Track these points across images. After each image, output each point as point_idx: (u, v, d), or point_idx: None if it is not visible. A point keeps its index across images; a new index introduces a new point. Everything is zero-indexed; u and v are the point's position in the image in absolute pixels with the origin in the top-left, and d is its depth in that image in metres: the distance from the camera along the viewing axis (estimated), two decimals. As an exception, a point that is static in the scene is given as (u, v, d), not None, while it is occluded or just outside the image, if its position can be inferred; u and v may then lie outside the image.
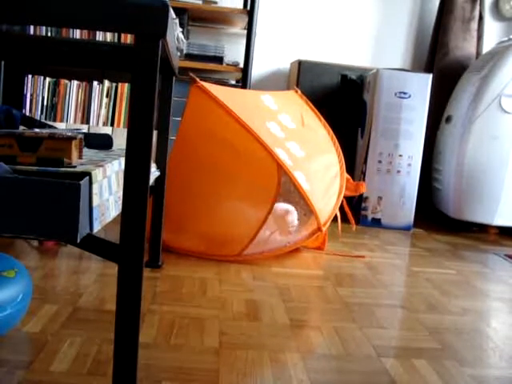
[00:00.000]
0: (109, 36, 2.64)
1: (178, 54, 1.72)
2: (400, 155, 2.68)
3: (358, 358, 1.16)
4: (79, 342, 1.11)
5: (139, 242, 0.82)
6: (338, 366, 1.12)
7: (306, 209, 1.96)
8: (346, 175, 2.16)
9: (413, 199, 2.71)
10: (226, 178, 1.85)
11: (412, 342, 1.28)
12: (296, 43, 3.25)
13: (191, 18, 3.00)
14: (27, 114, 2.61)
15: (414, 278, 1.87)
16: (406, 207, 2.71)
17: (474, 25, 3.15)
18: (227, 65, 2.92)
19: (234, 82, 3.04)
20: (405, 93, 2.64)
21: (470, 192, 2.67)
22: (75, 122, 2.67)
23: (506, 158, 2.62)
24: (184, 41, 2.71)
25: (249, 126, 1.82)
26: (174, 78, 1.62)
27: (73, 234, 0.72)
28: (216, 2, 2.98)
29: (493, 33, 3.33)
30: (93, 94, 2.65)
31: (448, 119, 2.83)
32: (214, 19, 3.04)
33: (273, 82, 3.25)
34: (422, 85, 2.63)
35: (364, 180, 2.70)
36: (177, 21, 1.82)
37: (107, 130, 2.66)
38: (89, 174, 0.79)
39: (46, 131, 0.95)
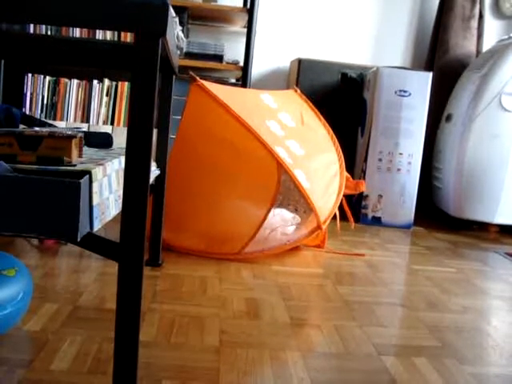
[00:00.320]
0: (109, 35, 2.64)
1: (178, 52, 1.72)
2: (400, 153, 2.68)
3: (358, 356, 1.17)
4: (79, 341, 1.11)
5: (139, 241, 0.82)
6: (338, 364, 1.12)
7: (305, 207, 1.96)
8: (345, 174, 2.17)
9: (413, 197, 2.71)
10: (225, 176, 1.85)
11: (412, 340, 1.28)
12: (296, 41, 3.24)
13: (191, 17, 2.99)
14: (27, 112, 2.61)
15: (414, 276, 1.87)
16: (406, 205, 2.71)
17: (474, 23, 3.15)
18: (227, 63, 2.92)
19: (233, 81, 3.04)
20: (405, 91, 2.63)
21: (471, 190, 2.67)
22: (75, 120, 2.66)
23: (507, 156, 2.62)
24: (184, 39, 2.71)
25: (248, 125, 1.82)
26: (173, 76, 1.62)
27: (73, 232, 0.72)
28: (216, 1, 2.98)
29: (493, 31, 3.32)
30: (93, 93, 2.65)
31: (448, 117, 2.83)
32: (214, 18, 3.04)
33: (273, 81, 3.25)
34: (422, 83, 2.63)
35: (364, 178, 2.70)
36: (177, 19, 1.82)
37: (107, 128, 2.66)
38: (89, 172, 0.79)
39: (45, 130, 0.95)
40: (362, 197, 2.71)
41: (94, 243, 0.85)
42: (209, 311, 1.35)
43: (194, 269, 1.71)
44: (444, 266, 2.04)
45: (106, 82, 2.66)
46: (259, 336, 1.22)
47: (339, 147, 2.23)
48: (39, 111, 2.64)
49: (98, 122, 2.67)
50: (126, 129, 0.88)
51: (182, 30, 2.40)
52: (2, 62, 1.74)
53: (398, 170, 2.69)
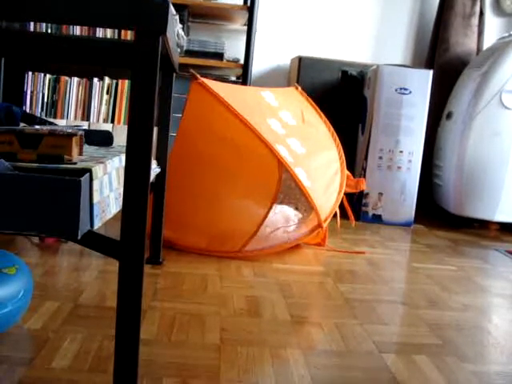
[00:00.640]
0: (109, 32, 2.64)
1: (179, 50, 1.71)
2: (401, 151, 2.68)
3: (358, 353, 1.17)
4: (80, 339, 1.11)
5: (140, 239, 0.82)
6: (339, 361, 1.12)
7: (306, 205, 1.96)
8: (346, 172, 2.16)
9: (413, 195, 2.71)
10: (226, 174, 1.85)
11: (413, 338, 1.28)
12: (296, 39, 3.24)
13: (191, 15, 2.99)
14: (27, 110, 2.61)
15: (415, 274, 1.87)
16: (406, 203, 2.71)
17: (475, 20, 3.14)
18: (227, 61, 2.91)
19: (234, 79, 3.03)
20: (405, 89, 2.63)
21: (471, 188, 2.67)
22: (75, 118, 2.66)
23: (507, 154, 2.61)
24: (184, 37, 2.70)
25: (249, 123, 1.81)
26: (174, 74, 1.62)
27: (73, 230, 0.72)
28: (216, -1, 2.98)
29: (493, 28, 3.32)
30: (93, 91, 2.65)
31: (449, 115, 2.82)
32: (215, 15, 3.03)
33: (273, 79, 3.25)
34: (422, 81, 2.63)
35: (365, 176, 2.70)
36: (177, 17, 1.82)
37: (107, 126, 2.66)
38: (89, 170, 0.79)
39: (46, 128, 0.95)
40: (362, 195, 2.71)
41: (95, 241, 0.85)
42: (209, 309, 1.35)
43: (195, 267, 1.71)
44: (444, 264, 2.04)
45: (107, 80, 2.65)
46: (260, 334, 1.22)
47: (340, 144, 2.23)
48: (39, 109, 2.64)
49: (98, 120, 2.67)
50: (126, 127, 0.88)
51: (183, 28, 2.39)
52: (3, 60, 1.74)
53: (399, 167, 2.69)
